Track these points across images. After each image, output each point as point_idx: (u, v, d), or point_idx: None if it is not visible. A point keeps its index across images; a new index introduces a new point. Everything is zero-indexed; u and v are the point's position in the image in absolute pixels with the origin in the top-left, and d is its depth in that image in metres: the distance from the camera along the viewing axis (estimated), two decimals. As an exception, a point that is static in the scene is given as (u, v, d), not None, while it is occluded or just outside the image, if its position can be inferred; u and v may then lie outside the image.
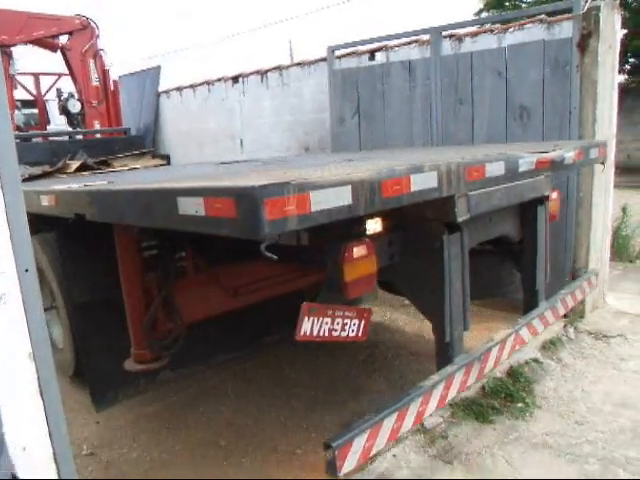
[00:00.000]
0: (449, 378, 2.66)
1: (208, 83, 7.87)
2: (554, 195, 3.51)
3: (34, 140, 8.09)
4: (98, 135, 8.06)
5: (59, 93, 8.59)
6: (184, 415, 3.63)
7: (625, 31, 5.85)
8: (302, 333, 2.24)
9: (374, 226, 2.48)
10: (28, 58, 8.21)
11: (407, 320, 5.07)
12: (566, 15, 4.50)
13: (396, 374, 4.02)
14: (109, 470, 3.13)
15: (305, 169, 2.47)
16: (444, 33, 5.18)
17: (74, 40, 7.55)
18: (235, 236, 1.78)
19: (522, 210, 3.37)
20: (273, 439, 3.27)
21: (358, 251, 2.28)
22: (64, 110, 8.05)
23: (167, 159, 7.35)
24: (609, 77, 4.61)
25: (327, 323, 2.31)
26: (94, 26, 7.65)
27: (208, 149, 8.02)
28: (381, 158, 3.32)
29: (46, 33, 7.27)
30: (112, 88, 8.15)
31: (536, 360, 4.02)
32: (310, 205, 1.77)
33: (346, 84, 5.97)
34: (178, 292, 3.13)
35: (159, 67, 8.76)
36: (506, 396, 3.51)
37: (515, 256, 3.55)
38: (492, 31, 5.01)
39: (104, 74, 7.90)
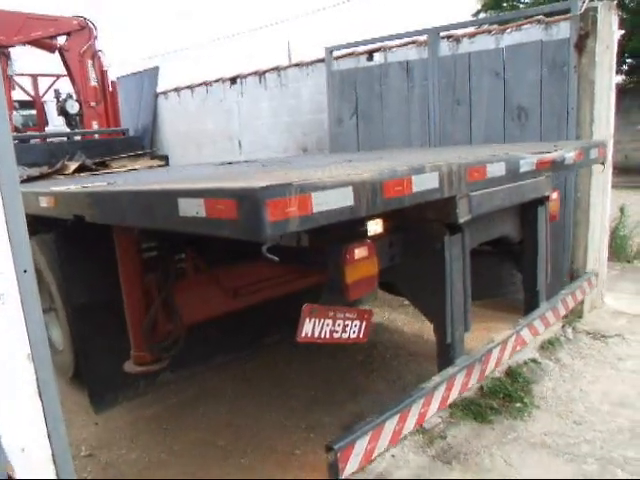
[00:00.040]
0: (450, 379, 2.66)
1: (206, 84, 7.87)
2: (554, 195, 3.51)
3: (32, 141, 8.06)
4: (96, 136, 8.04)
5: (57, 94, 8.57)
6: (183, 416, 3.63)
7: (622, 32, 5.86)
8: (303, 335, 2.23)
9: (375, 227, 2.47)
10: (26, 59, 8.18)
11: (406, 320, 5.08)
12: (563, 16, 4.52)
13: (394, 374, 4.02)
14: (108, 471, 3.12)
15: (306, 170, 2.47)
16: (442, 34, 5.19)
17: (72, 41, 7.52)
18: (236, 238, 1.77)
19: (522, 210, 3.37)
20: (272, 439, 3.27)
21: (359, 252, 2.28)
22: (62, 111, 8.02)
23: (166, 160, 7.34)
24: (606, 77, 4.62)
25: (328, 325, 2.30)
26: (92, 27, 7.62)
27: (206, 150, 8.02)
28: (381, 159, 3.32)
29: (44, 34, 7.24)
30: (110, 89, 8.12)
31: (534, 360, 4.03)
32: (312, 206, 1.76)
33: (344, 85, 5.98)
34: (178, 293, 3.12)
35: (157, 68, 8.76)
36: (504, 396, 3.52)
37: (515, 257, 3.56)
38: (490, 32, 5.01)
39: (102, 75, 7.88)
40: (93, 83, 7.75)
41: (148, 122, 8.69)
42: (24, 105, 9.64)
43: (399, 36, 5.51)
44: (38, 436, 1.56)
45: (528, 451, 3.01)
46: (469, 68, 5.03)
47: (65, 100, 8.01)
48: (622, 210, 7.12)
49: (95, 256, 3.24)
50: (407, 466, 2.92)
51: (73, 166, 5.56)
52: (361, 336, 2.49)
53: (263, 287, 3.47)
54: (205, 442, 3.30)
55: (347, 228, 2.20)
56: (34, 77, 9.72)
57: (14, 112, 8.42)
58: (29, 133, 8.79)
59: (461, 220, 2.55)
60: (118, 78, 8.81)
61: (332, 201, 1.83)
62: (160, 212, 2.11)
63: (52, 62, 7.98)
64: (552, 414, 3.37)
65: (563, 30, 4.51)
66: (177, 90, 8.36)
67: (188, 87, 8.16)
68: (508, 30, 4.88)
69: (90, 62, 7.65)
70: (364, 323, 2.48)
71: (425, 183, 2.24)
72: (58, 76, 9.10)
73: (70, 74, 7.80)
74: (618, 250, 6.71)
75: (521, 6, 18.34)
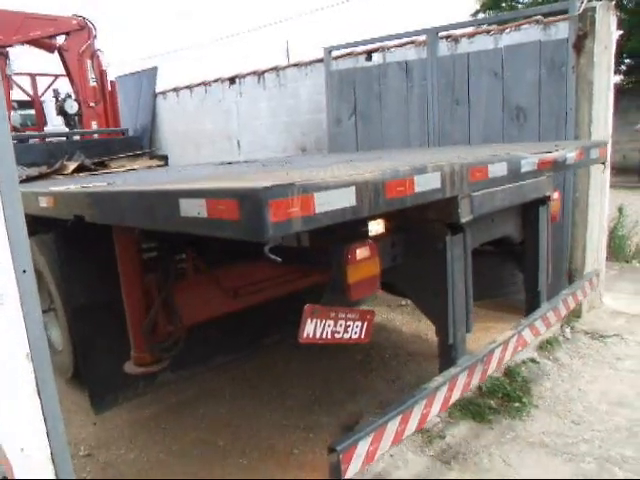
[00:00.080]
0: (452, 380, 2.65)
1: (205, 84, 7.86)
2: (555, 195, 3.51)
3: (31, 141, 8.04)
4: (96, 136, 8.03)
5: (56, 94, 8.55)
6: (182, 416, 3.63)
7: (621, 32, 5.88)
8: (305, 335, 2.22)
9: (377, 227, 2.47)
10: (25, 59, 8.16)
11: (404, 320, 5.08)
12: (562, 16, 4.53)
13: (393, 374, 4.02)
14: (107, 470, 3.12)
15: (307, 170, 2.46)
16: (441, 34, 5.19)
17: (71, 40, 7.51)
18: (238, 238, 1.75)
19: (524, 210, 3.37)
20: (271, 439, 3.27)
21: (361, 253, 2.27)
22: (61, 111, 8.01)
23: (165, 160, 7.32)
24: (605, 78, 4.63)
25: (330, 325, 2.29)
26: (91, 26, 7.61)
27: (205, 150, 8.01)
28: (380, 159, 3.32)
29: (43, 33, 7.23)
30: (109, 88, 8.11)
31: (533, 360, 4.04)
32: (314, 206, 1.75)
33: (343, 85, 5.98)
34: (178, 294, 3.11)
35: (156, 68, 8.75)
36: (503, 396, 3.53)
37: (517, 257, 3.56)
38: (489, 32, 5.02)
39: (101, 74, 7.86)
40: (92, 83, 7.73)
41: (147, 122, 8.68)
42: (23, 105, 9.60)
43: (398, 36, 5.51)
44: (37, 436, 1.56)
45: (527, 451, 3.02)
46: (468, 68, 5.04)
47: (64, 100, 8.00)
48: (620, 210, 7.15)
49: (95, 256, 3.23)
50: (406, 466, 2.92)
51: (72, 166, 5.55)
52: (363, 337, 2.48)
53: (263, 287, 3.46)
54: (204, 442, 3.30)
55: (349, 228, 2.19)
56: (33, 77, 9.67)
57: (13, 112, 8.40)
58: (28, 133, 8.76)
59: (463, 220, 2.55)
60: (117, 78, 8.79)
61: (334, 201, 1.82)
62: (161, 212, 2.09)
63: (51, 62, 7.97)
64: (550, 414, 3.38)
65: (562, 30, 4.52)
66: (176, 90, 8.35)
67: (187, 87, 8.15)
68: (507, 30, 4.89)
69: (89, 62, 7.63)
70: (366, 323, 2.48)
71: (427, 183, 2.23)
72: (57, 76, 9.07)
73: (69, 74, 7.78)
74: (616, 250, 6.73)
75: (520, 6, 18.40)
